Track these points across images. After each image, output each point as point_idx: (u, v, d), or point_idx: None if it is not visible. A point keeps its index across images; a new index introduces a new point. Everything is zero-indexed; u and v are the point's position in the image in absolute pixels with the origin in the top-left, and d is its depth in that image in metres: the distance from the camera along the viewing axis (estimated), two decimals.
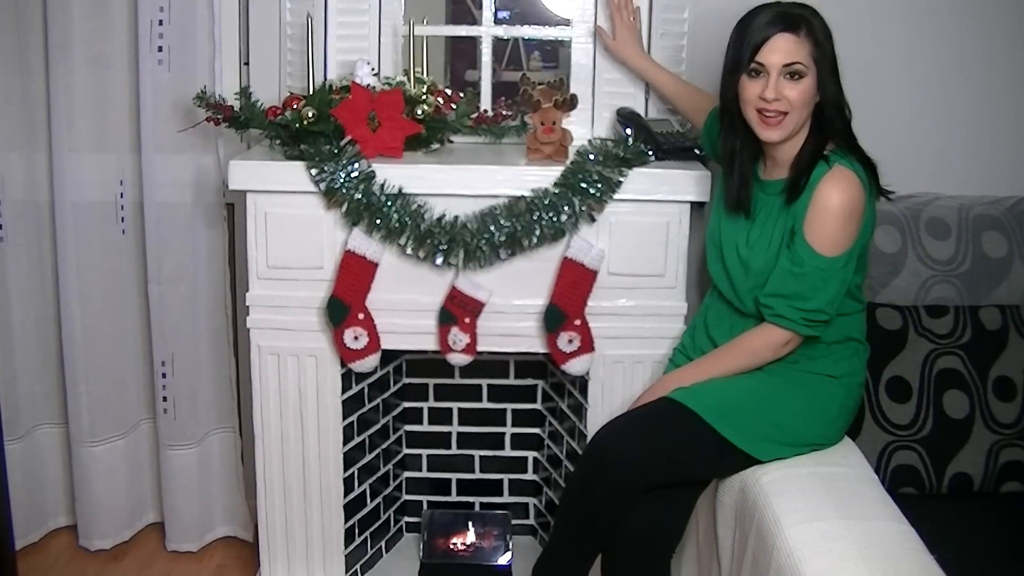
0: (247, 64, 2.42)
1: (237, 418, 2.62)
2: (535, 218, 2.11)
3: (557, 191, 2.12)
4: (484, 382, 2.54)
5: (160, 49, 2.33)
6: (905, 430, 2.09)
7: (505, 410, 2.57)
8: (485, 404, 2.56)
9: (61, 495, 2.67)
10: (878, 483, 1.86)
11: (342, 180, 2.10)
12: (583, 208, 2.11)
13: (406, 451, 2.59)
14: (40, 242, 2.51)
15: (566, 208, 2.11)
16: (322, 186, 2.11)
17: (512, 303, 2.20)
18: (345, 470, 2.32)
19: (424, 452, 2.60)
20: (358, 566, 2.44)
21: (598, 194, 2.10)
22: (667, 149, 2.20)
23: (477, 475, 2.61)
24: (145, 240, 2.45)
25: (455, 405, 2.56)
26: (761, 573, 1.70)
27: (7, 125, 2.42)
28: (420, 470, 2.61)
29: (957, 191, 2.32)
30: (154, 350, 2.52)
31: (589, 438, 2.05)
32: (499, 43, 2.44)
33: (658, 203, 2.14)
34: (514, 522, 2.56)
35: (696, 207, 2.18)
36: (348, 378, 2.29)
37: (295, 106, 2.18)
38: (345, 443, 2.31)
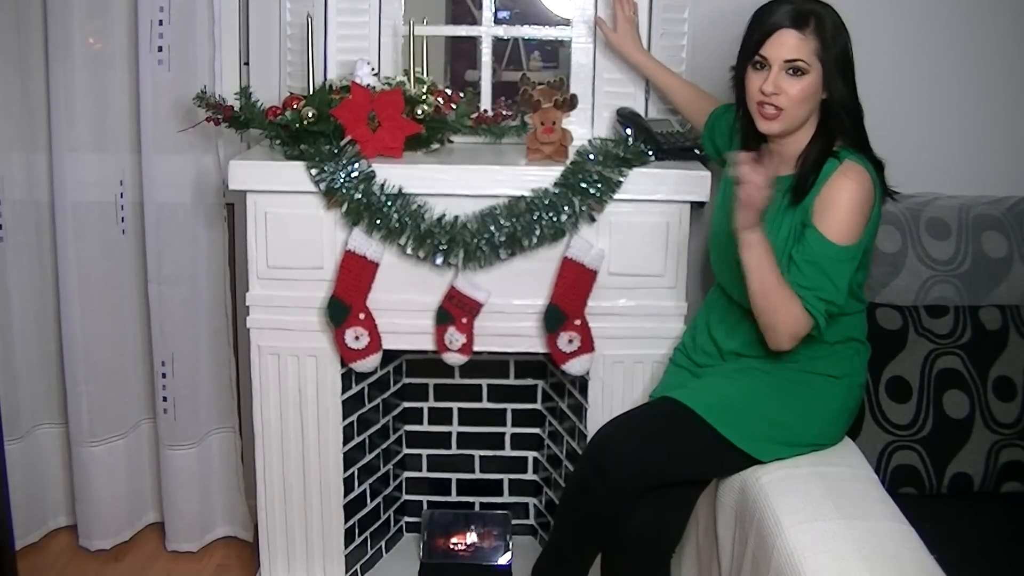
0: (247, 64, 2.42)
1: (237, 418, 2.62)
2: (535, 218, 2.11)
3: (557, 191, 2.12)
4: (484, 382, 2.54)
5: (160, 49, 2.33)
6: (905, 430, 2.09)
7: (505, 410, 2.57)
8: (485, 404, 2.56)
9: (61, 495, 2.67)
10: (878, 483, 1.86)
11: (342, 180, 2.10)
12: (583, 208, 2.11)
13: (406, 451, 2.59)
14: (40, 242, 2.51)
15: (566, 208, 2.11)
16: (322, 186, 2.11)
17: (512, 303, 2.20)
18: (345, 470, 2.32)
19: (424, 452, 2.60)
20: (358, 566, 2.44)
21: (598, 194, 2.10)
22: (667, 149, 2.20)
23: (477, 475, 2.61)
24: (145, 240, 2.45)
25: (455, 405, 2.56)
26: (761, 573, 1.70)
27: (7, 125, 2.42)
28: (420, 470, 2.61)
29: (957, 191, 2.32)
30: (154, 350, 2.53)
31: (589, 438, 2.05)
32: (499, 43, 2.44)
33: (658, 203, 2.14)
34: (514, 522, 2.56)
35: (696, 207, 2.19)
36: (348, 378, 2.29)
37: (295, 106, 2.18)
38: (345, 443, 2.31)
